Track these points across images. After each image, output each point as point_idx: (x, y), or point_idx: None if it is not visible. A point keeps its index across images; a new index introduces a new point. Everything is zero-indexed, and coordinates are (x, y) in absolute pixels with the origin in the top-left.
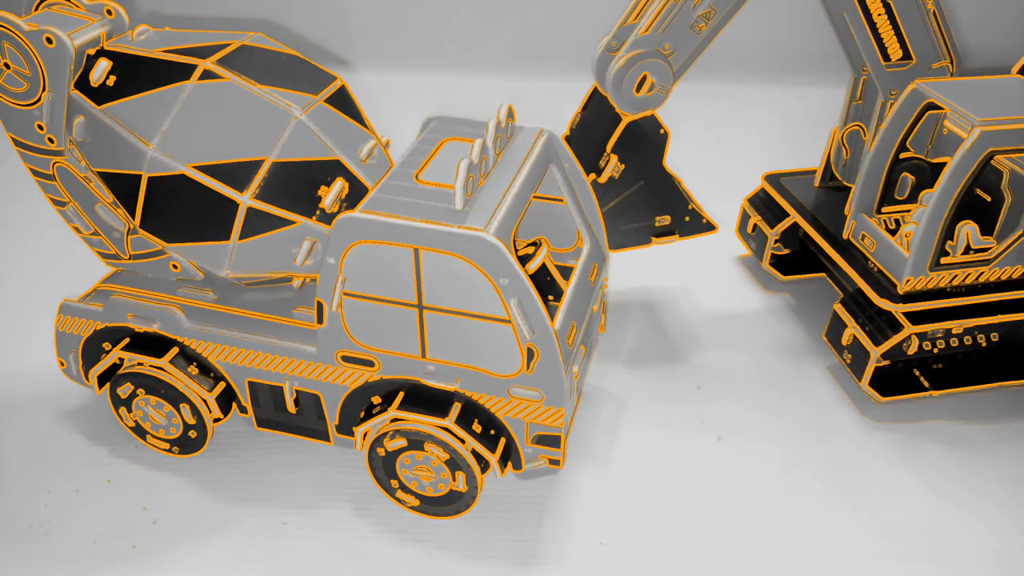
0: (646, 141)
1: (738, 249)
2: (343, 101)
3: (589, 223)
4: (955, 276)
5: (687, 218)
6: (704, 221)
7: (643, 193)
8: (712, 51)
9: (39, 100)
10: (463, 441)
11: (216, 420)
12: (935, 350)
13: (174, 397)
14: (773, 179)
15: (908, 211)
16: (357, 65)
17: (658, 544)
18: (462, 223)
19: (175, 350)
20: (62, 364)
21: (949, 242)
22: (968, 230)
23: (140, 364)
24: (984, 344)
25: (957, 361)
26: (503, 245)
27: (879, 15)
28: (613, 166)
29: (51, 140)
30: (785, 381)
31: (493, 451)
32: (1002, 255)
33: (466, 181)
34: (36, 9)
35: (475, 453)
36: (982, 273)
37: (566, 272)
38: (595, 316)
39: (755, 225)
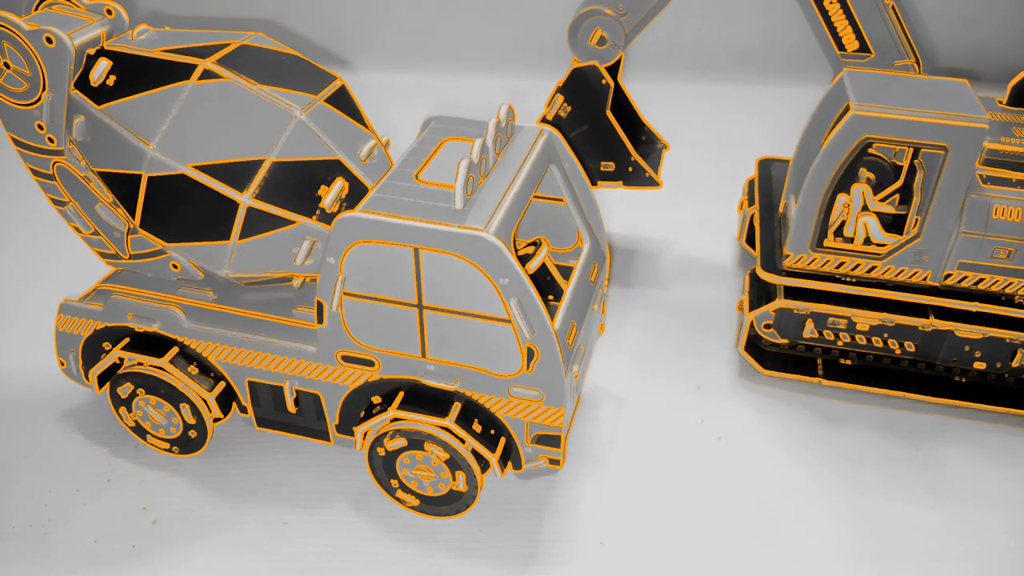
0: (589, 88)
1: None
2: (343, 101)
3: (589, 223)
4: (842, 263)
5: (630, 168)
6: (647, 175)
7: (587, 136)
8: (725, 51)
9: (39, 100)
10: (463, 441)
11: (216, 420)
12: (839, 343)
13: (174, 397)
14: (765, 163)
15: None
16: (357, 65)
17: (658, 544)
18: (462, 223)
19: (175, 350)
20: (62, 364)
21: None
22: (867, 221)
23: (140, 364)
24: (898, 352)
25: (869, 364)
26: (503, 245)
27: (831, 2)
28: (559, 105)
29: (51, 140)
30: (787, 381)
31: (493, 451)
32: (892, 254)
33: (466, 181)
34: (36, 9)
35: (475, 453)
36: (874, 267)
37: (566, 272)
38: (595, 316)
39: (741, 203)
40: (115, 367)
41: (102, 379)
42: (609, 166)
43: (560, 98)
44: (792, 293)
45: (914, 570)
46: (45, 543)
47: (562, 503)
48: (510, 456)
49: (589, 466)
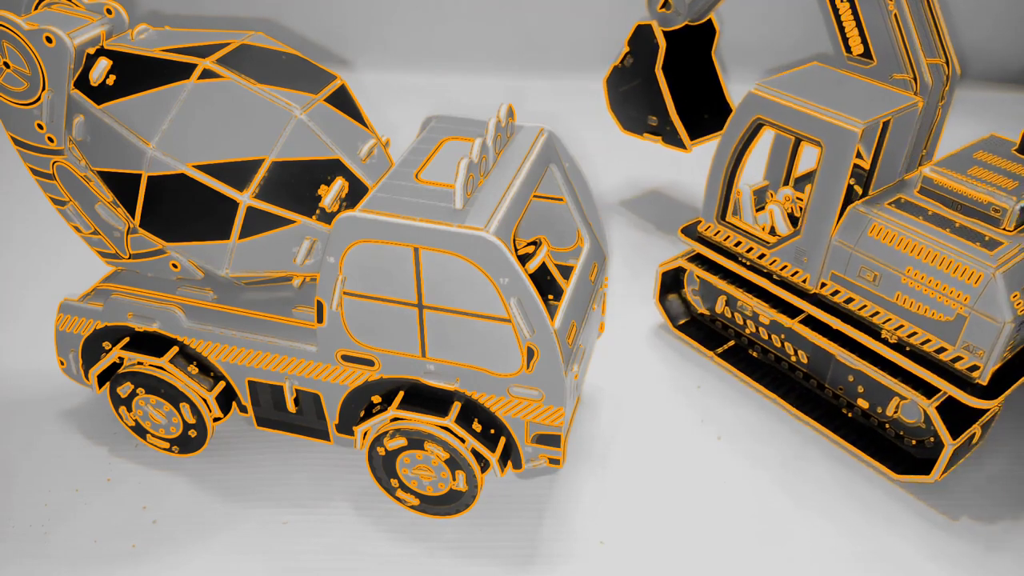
0: (644, 44)
1: None
2: (343, 100)
3: (589, 222)
4: (739, 242)
5: (668, 127)
6: (678, 137)
7: (641, 89)
8: (725, 51)
9: (39, 99)
10: (463, 440)
11: (216, 419)
12: (747, 330)
13: (174, 396)
14: None
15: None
16: (357, 65)
17: (658, 544)
18: (462, 222)
19: (175, 349)
20: (62, 364)
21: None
22: (773, 209)
23: (140, 363)
24: (793, 359)
25: (771, 361)
26: (503, 244)
27: (841, 1)
28: (623, 56)
29: (51, 139)
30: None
31: (493, 450)
32: (778, 245)
33: (466, 180)
34: (36, 8)
35: (475, 452)
36: (763, 255)
37: (566, 272)
38: (595, 315)
39: None
40: (115, 367)
41: (102, 379)
42: (653, 121)
43: (626, 49)
44: (698, 260)
45: (914, 570)
46: (45, 543)
47: (562, 503)
48: (510, 455)
49: (589, 466)
